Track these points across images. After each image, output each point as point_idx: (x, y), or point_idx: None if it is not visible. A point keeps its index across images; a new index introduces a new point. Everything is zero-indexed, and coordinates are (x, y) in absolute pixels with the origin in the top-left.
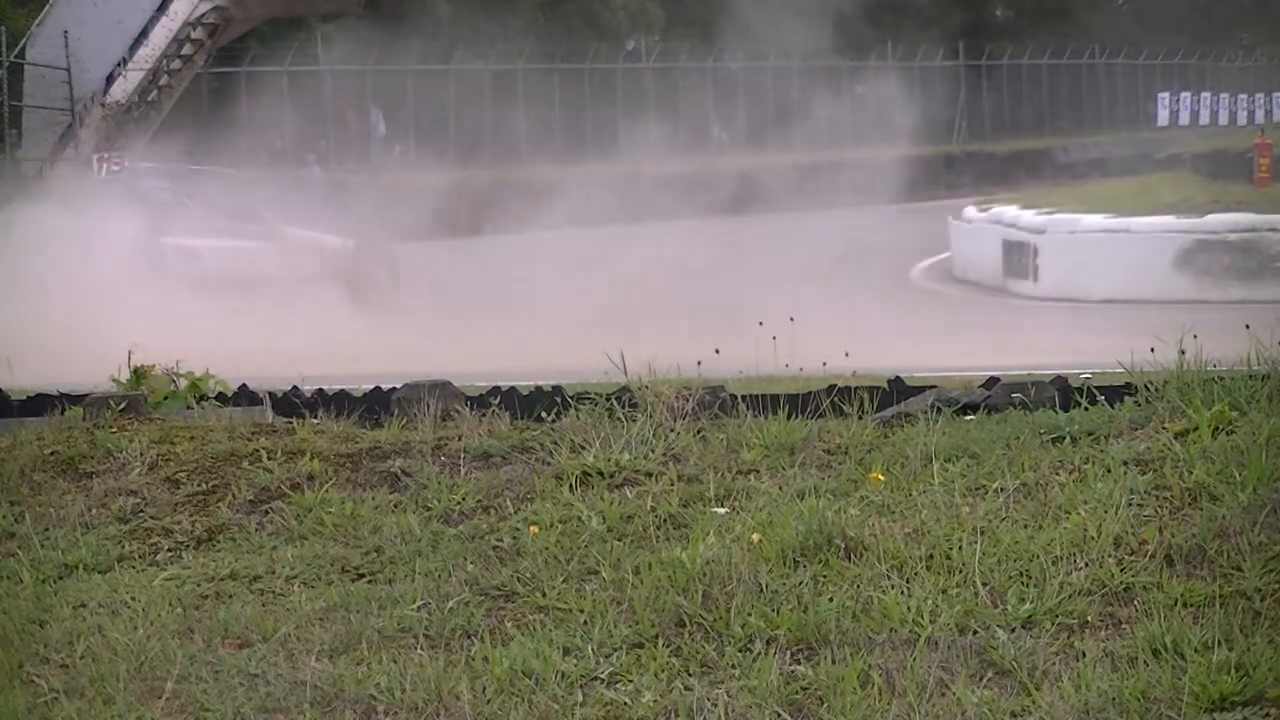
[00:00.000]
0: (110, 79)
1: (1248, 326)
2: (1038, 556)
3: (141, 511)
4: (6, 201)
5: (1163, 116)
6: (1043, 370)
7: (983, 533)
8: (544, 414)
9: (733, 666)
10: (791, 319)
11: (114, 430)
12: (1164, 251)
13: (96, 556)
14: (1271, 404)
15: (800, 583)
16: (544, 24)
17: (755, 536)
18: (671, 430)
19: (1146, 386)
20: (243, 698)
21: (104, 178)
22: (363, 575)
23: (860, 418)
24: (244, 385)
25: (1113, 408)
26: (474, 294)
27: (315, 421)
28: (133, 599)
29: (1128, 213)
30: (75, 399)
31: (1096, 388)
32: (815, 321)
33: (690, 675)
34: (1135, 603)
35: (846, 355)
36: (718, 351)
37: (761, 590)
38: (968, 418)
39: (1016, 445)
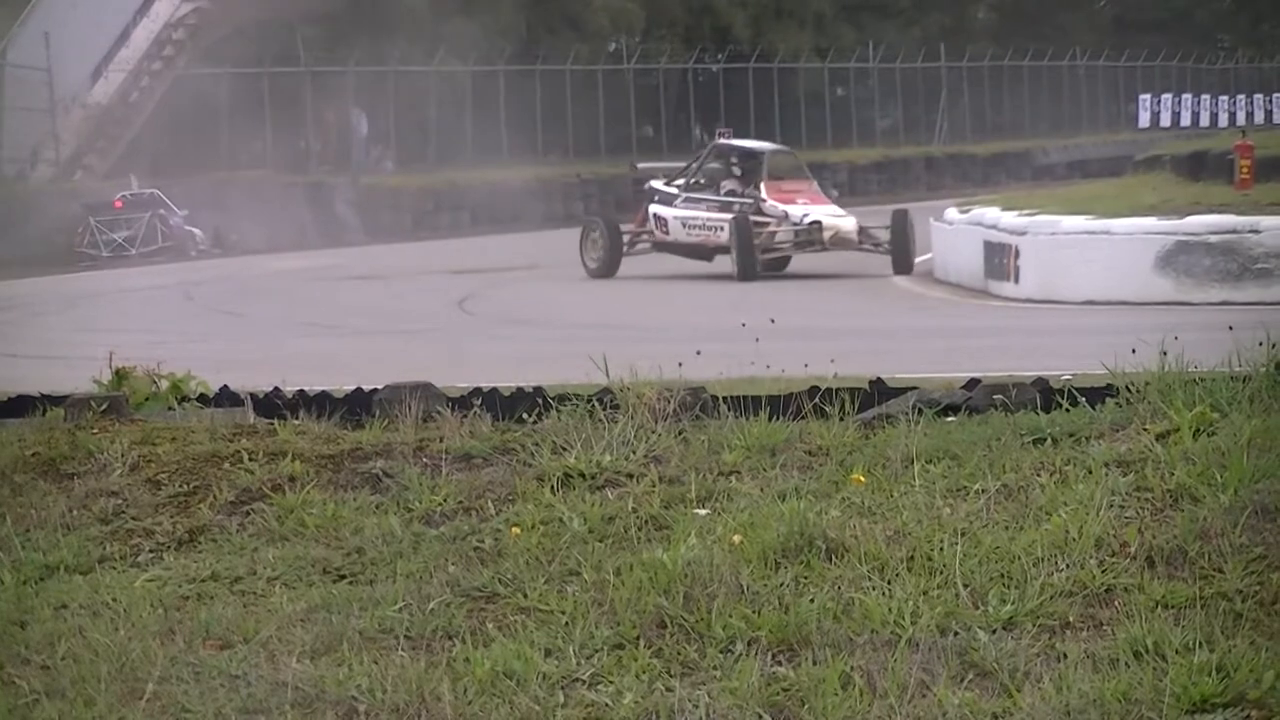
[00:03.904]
0: (92, 80)
1: (1230, 328)
2: (1019, 558)
3: (123, 512)
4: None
5: (1144, 118)
6: (1024, 372)
7: (964, 534)
8: (525, 415)
9: (714, 668)
10: (773, 320)
11: (95, 431)
12: (1145, 253)
13: (77, 557)
14: (1252, 406)
15: (781, 584)
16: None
17: (736, 538)
18: (653, 431)
19: (1128, 388)
20: (224, 699)
21: (711, 143)
22: (344, 576)
23: (841, 419)
24: (225, 386)
25: (1094, 409)
26: None
27: (297, 422)
28: (114, 600)
29: (1109, 214)
30: (56, 400)
31: (1078, 389)
32: (797, 323)
33: (671, 676)
34: (1116, 604)
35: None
36: (699, 353)
37: (743, 591)
38: (949, 419)
39: (998, 446)
